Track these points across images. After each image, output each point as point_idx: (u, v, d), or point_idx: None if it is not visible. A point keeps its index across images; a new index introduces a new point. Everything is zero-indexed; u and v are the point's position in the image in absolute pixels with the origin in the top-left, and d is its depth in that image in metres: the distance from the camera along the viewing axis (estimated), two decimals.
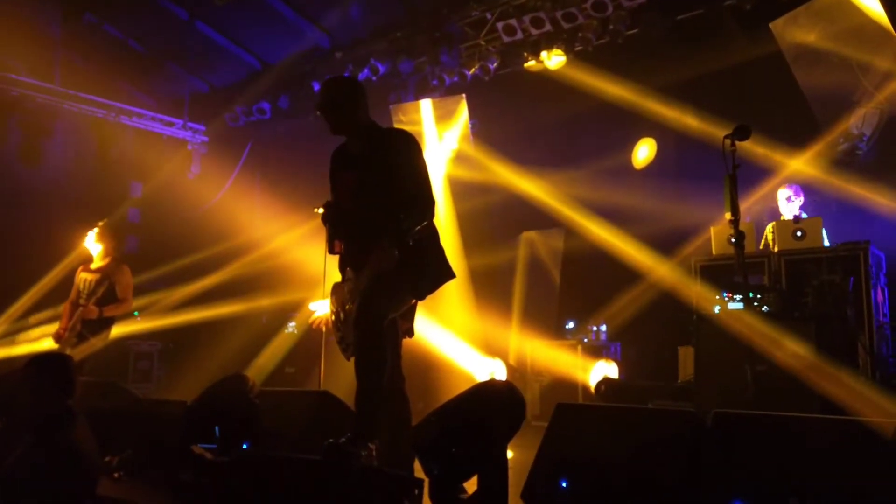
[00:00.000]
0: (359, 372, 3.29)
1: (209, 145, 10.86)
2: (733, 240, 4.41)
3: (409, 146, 3.51)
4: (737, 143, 4.33)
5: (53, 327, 5.95)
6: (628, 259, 7.48)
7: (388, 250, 3.22)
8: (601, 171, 7.99)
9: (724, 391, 4.81)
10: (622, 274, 7.54)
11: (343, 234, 3.52)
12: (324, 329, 3.97)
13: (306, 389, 6.29)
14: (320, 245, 3.73)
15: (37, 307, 8.59)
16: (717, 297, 5.60)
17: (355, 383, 3.38)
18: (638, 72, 7.67)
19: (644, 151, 8.32)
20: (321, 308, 3.83)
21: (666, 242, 7.39)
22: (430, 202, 3.41)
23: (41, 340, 7.51)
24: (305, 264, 8.14)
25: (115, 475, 3.94)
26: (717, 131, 4.57)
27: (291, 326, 8.85)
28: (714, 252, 6.45)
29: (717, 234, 6.41)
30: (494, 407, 2.86)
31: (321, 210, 3.63)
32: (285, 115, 9.92)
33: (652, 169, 8.22)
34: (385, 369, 3.28)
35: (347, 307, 3.44)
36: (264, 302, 9.01)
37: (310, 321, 3.93)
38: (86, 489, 3.29)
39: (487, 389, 2.99)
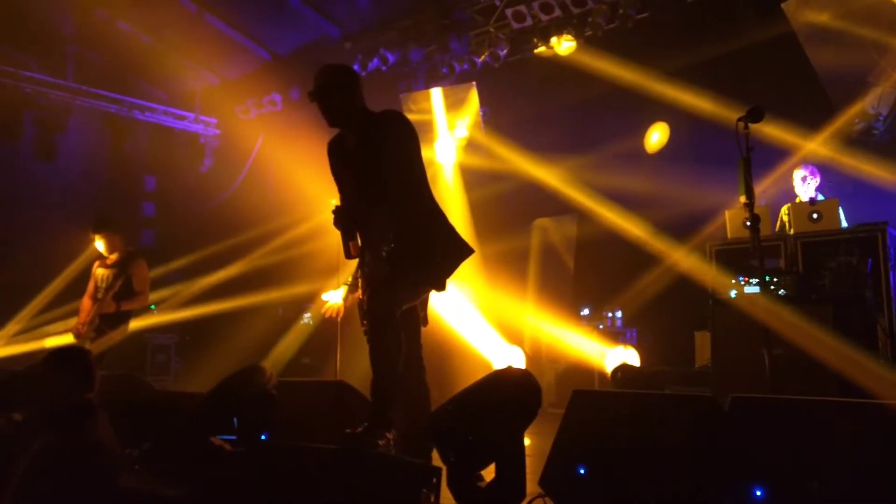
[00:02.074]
0: (373, 361, 3.29)
1: (221, 138, 10.90)
2: (748, 223, 4.37)
3: (396, 135, 3.40)
4: (750, 125, 4.28)
5: (72, 322, 6.00)
6: (643, 244, 7.45)
7: (378, 264, 3.18)
8: (613, 156, 7.95)
9: (742, 375, 4.79)
10: (637, 259, 7.51)
11: (354, 235, 3.48)
12: (338, 319, 3.98)
13: (323, 379, 6.33)
14: (334, 236, 3.72)
15: (56, 302, 8.69)
16: (733, 281, 5.56)
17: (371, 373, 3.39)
18: (649, 56, 7.61)
19: (657, 136, 8.27)
20: (334, 298, 3.83)
21: (680, 227, 7.36)
22: (401, 206, 3.32)
23: (61, 335, 7.60)
24: (320, 255, 8.17)
25: (136, 467, 3.98)
26: (731, 114, 4.52)
27: (307, 317, 8.90)
28: (729, 236, 6.40)
29: (732, 218, 6.36)
30: (511, 394, 2.85)
31: (334, 203, 3.61)
32: (297, 107, 9.92)
33: (665, 153, 8.17)
34: (400, 358, 3.27)
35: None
36: (279, 293, 9.05)
37: (322, 311, 3.93)
38: (106, 481, 3.32)
39: (504, 377, 2.98)
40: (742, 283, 5.49)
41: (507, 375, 2.99)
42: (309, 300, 8.83)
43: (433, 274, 3.40)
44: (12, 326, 8.58)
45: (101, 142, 10.28)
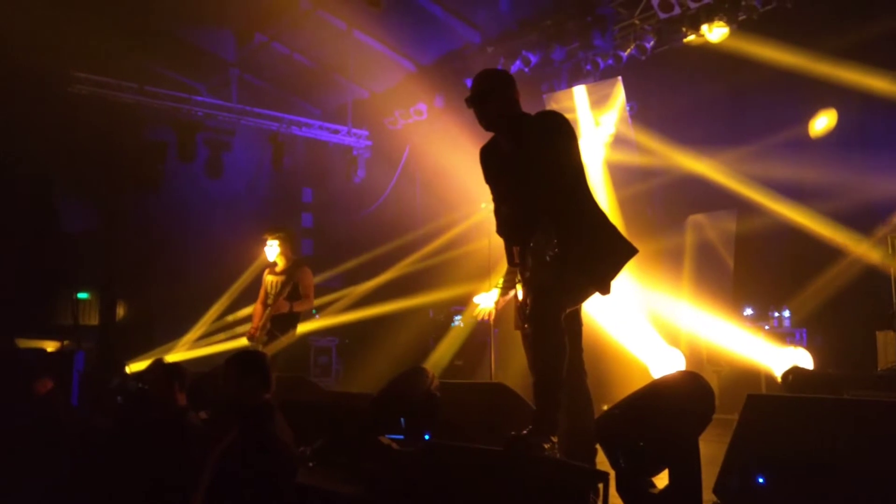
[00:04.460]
0: (538, 366, 3.25)
1: (372, 149, 11.34)
2: None
3: (554, 137, 3.33)
4: None
5: (247, 327, 6.45)
6: (811, 239, 6.92)
7: (541, 269, 3.14)
8: (774, 145, 7.46)
9: None
10: (805, 255, 7.01)
11: (517, 241, 3.45)
12: (490, 321, 3.99)
13: (481, 381, 6.39)
14: (482, 240, 3.73)
15: (230, 309, 9.42)
16: None
17: (526, 374, 3.37)
18: (811, 36, 7.07)
19: (823, 121, 7.66)
20: (486, 300, 3.84)
21: (855, 218, 6.77)
22: (563, 209, 3.24)
23: (237, 339, 8.22)
24: (468, 259, 8.29)
25: (310, 464, 4.20)
26: None
27: (457, 320, 9.05)
28: None
29: None
30: (682, 398, 2.75)
31: (484, 206, 3.63)
32: (441, 114, 10.13)
33: (833, 140, 7.55)
34: (564, 363, 3.22)
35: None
36: (430, 297, 9.27)
37: (475, 314, 3.95)
38: (288, 477, 3.53)
39: (674, 381, 2.88)
40: None
41: (678, 379, 2.88)
42: (458, 303, 8.97)
43: (598, 277, 3.33)
44: (194, 332, 9.40)
45: (262, 158, 11.02)
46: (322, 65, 10.68)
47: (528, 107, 3.60)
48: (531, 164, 3.34)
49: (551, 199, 3.27)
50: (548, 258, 3.13)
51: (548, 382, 3.20)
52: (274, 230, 6.37)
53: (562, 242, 3.16)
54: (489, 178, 3.63)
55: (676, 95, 8.42)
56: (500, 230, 3.52)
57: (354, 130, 11.10)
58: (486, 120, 3.49)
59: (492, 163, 3.60)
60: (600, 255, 3.35)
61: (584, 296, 3.39)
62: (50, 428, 4.68)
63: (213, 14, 9.41)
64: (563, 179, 3.32)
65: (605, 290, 3.35)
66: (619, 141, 8.93)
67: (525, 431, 3.15)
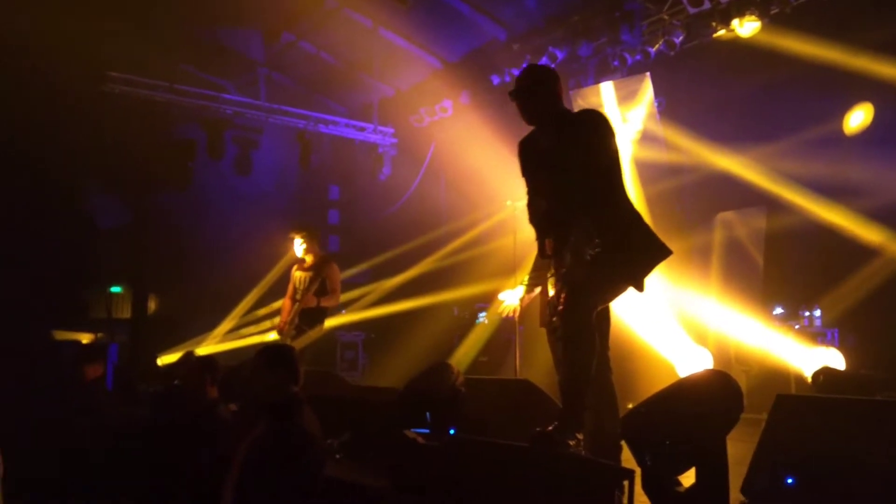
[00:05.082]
0: (566, 363, 3.26)
1: (398, 147, 11.38)
2: None
3: (596, 135, 3.35)
4: None
5: (275, 321, 6.54)
6: (844, 237, 6.80)
7: (579, 267, 3.14)
8: (807, 141, 7.33)
9: None
10: (837, 253, 6.88)
11: (549, 234, 3.45)
12: (515, 318, 3.98)
13: (507, 378, 6.39)
14: (506, 238, 3.70)
15: (259, 303, 9.55)
16: None
17: (551, 371, 3.38)
18: (847, 29, 6.93)
19: (859, 117, 7.51)
20: (511, 297, 3.83)
21: (889, 217, 6.64)
22: (604, 208, 3.25)
23: (266, 333, 8.34)
24: (492, 256, 8.29)
25: (336, 457, 4.24)
26: None
27: (482, 316, 9.06)
28: None
29: None
30: (710, 397, 2.73)
31: (509, 203, 3.63)
32: (466, 111, 10.13)
33: (869, 136, 7.40)
34: (593, 361, 3.23)
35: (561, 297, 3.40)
36: (454, 294, 9.29)
37: (500, 310, 3.95)
38: (315, 471, 3.56)
39: (701, 379, 2.86)
40: None
41: (706, 378, 2.86)
42: (483, 300, 8.98)
43: (632, 276, 3.33)
44: (224, 325, 9.55)
45: (290, 155, 11.11)
46: (348, 63, 10.73)
47: None
48: (569, 160, 3.36)
49: (588, 196, 3.28)
50: (588, 257, 3.13)
51: (576, 380, 3.20)
52: (297, 228, 6.46)
53: (602, 241, 3.16)
54: (526, 172, 3.65)
55: (706, 91, 8.32)
56: (533, 220, 3.53)
57: (380, 128, 11.15)
58: (528, 114, 3.52)
59: (530, 156, 3.62)
60: (635, 254, 3.36)
61: (617, 293, 3.39)
62: (95, 415, 4.80)
63: (241, 14, 9.51)
64: (600, 177, 3.33)
65: (640, 287, 3.34)
66: (647, 137, 8.85)
67: (550, 428, 3.16)
